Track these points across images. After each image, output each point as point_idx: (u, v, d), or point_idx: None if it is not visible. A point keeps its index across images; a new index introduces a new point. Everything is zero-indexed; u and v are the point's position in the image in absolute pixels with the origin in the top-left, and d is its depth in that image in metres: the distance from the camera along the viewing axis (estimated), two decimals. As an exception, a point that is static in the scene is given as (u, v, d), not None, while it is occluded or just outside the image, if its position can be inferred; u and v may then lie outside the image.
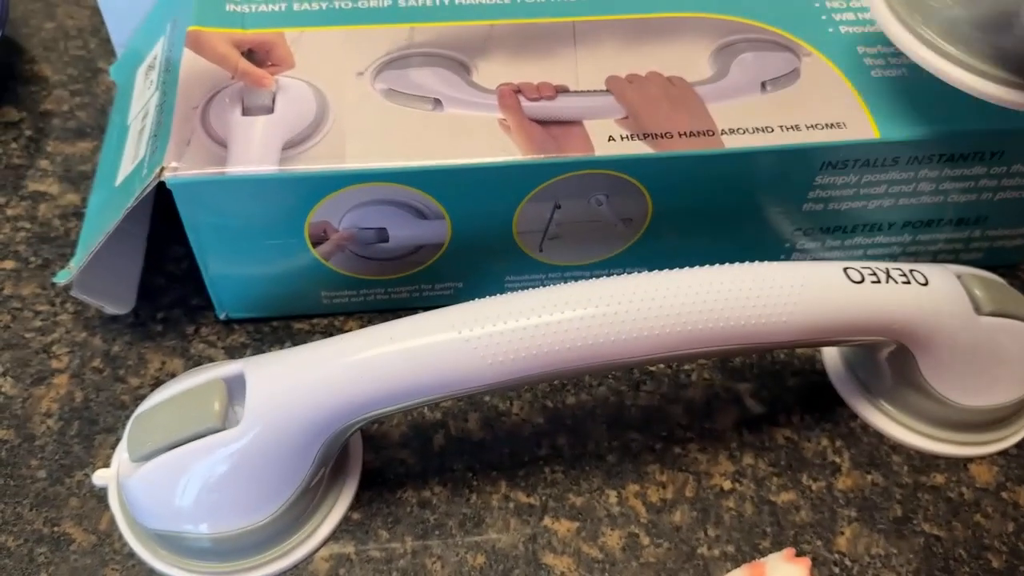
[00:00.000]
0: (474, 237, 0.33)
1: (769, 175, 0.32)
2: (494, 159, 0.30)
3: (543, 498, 0.31)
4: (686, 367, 0.35)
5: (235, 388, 0.27)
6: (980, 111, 0.31)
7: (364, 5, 0.35)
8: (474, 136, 0.31)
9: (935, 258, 0.37)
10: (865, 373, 0.34)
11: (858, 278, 0.29)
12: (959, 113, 0.32)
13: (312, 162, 0.30)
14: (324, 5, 0.35)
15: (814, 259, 0.36)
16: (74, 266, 0.32)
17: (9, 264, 0.37)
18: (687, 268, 0.28)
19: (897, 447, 0.33)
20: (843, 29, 0.35)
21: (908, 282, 0.29)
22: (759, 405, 0.34)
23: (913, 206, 0.34)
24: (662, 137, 0.31)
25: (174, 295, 0.36)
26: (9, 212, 0.39)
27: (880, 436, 0.33)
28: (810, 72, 0.33)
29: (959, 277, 0.31)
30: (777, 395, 0.34)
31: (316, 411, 0.26)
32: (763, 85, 0.33)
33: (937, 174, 0.33)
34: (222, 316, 0.35)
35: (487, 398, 0.33)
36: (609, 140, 0.31)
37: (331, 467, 0.29)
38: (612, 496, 0.31)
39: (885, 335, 0.29)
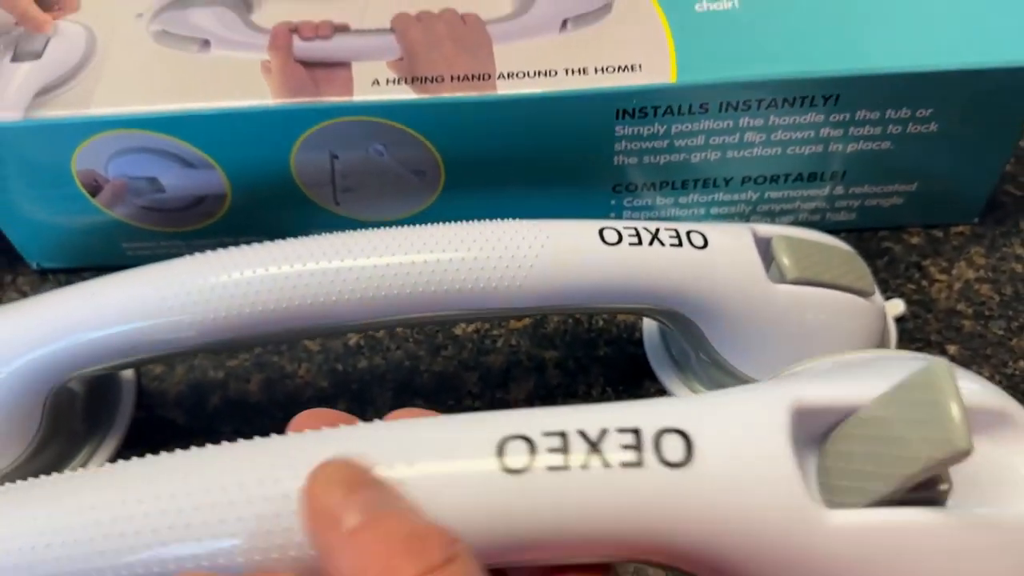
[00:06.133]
0: (255, 187, 0.31)
1: (556, 124, 0.29)
2: (236, 104, 0.28)
3: (302, 464, 0.29)
4: (493, 332, 0.32)
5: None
6: (812, 51, 0.27)
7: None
8: (230, 79, 0.29)
9: (796, 218, 0.33)
10: (676, 346, 0.30)
11: (614, 239, 0.26)
12: (787, 53, 0.28)
13: (59, 108, 0.28)
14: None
15: (649, 219, 0.32)
16: None
17: None
18: (419, 226, 0.26)
19: (699, 428, 0.29)
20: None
21: (679, 244, 0.26)
22: (561, 375, 0.31)
23: (747, 159, 0.30)
24: (432, 81, 0.28)
25: (-3, 243, 0.36)
26: None
27: (684, 415, 0.30)
28: (624, 6, 0.30)
29: (771, 240, 0.27)
30: (584, 365, 0.31)
31: (21, 363, 0.26)
32: (564, 23, 0.30)
33: (763, 123, 0.29)
34: (34, 265, 0.35)
35: (275, 358, 0.32)
36: (373, 84, 0.28)
37: (86, 421, 0.29)
38: (376, 466, 0.29)
39: (647, 302, 0.26)
